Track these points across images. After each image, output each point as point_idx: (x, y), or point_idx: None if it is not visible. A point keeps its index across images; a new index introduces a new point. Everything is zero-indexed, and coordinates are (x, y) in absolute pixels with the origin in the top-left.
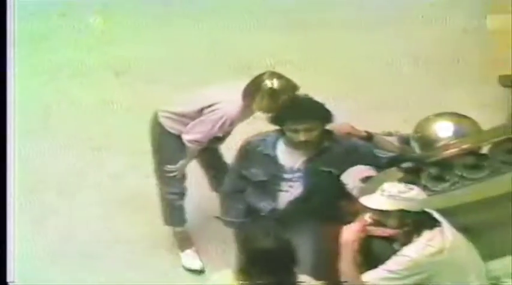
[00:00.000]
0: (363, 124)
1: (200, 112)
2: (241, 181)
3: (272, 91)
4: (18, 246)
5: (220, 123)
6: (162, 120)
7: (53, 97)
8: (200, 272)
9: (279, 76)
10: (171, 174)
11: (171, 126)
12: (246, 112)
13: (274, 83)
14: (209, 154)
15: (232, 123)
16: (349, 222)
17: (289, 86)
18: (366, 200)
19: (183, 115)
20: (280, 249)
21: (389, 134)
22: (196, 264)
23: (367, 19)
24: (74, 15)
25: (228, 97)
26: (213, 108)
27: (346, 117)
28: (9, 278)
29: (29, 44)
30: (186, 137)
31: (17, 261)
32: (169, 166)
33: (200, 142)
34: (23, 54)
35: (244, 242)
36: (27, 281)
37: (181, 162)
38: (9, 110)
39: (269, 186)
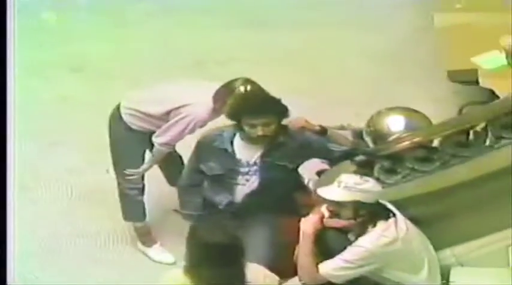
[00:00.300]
0: (318, 119)
1: (168, 113)
2: (199, 175)
3: (239, 95)
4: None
5: (191, 126)
6: (125, 117)
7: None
8: (173, 263)
9: (252, 83)
10: (132, 177)
11: (135, 123)
12: (214, 114)
13: (245, 87)
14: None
15: (201, 126)
16: (305, 214)
17: (255, 88)
18: (323, 192)
19: (149, 115)
20: (228, 243)
21: (343, 128)
22: (168, 258)
23: (322, 19)
24: (28, 12)
25: (196, 100)
26: (182, 110)
27: (302, 112)
28: (9, 279)
29: None
30: (158, 140)
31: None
32: (130, 170)
33: (171, 144)
34: None
35: (191, 237)
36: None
37: (144, 166)
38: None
39: (226, 180)
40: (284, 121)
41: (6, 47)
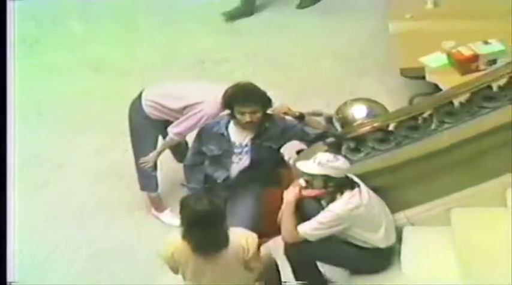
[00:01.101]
0: (296, 108)
1: (185, 108)
2: (200, 156)
3: (232, 87)
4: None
5: (203, 120)
6: (146, 107)
7: (45, 90)
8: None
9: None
10: (147, 166)
11: (154, 113)
12: (222, 111)
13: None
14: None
15: (209, 119)
16: (287, 186)
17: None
18: (301, 165)
19: (169, 109)
20: (212, 210)
21: (318, 113)
22: (177, 221)
23: (293, 23)
24: (57, 21)
25: (208, 98)
26: (196, 106)
27: (282, 103)
28: (9, 278)
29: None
30: (173, 130)
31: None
32: (143, 159)
33: (183, 135)
34: (19, 55)
35: (182, 206)
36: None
37: (154, 153)
38: (9, 103)
39: (223, 159)
40: (269, 110)
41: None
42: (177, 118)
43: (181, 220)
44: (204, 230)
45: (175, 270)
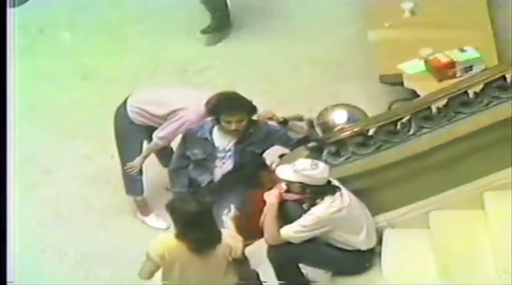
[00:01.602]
0: (279, 113)
1: (168, 114)
2: (185, 160)
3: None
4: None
5: (184, 126)
6: (131, 113)
7: (35, 97)
8: (167, 229)
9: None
10: (133, 171)
11: (138, 119)
12: (203, 117)
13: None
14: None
15: (192, 125)
16: (269, 189)
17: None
18: (279, 171)
19: (153, 115)
20: (201, 210)
21: (301, 119)
22: (162, 224)
23: (280, 34)
24: (48, 32)
25: (190, 105)
26: (178, 112)
27: (266, 108)
28: (9, 278)
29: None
30: (158, 134)
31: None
32: (129, 164)
33: (167, 139)
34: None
35: (171, 210)
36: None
37: (139, 158)
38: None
39: (206, 163)
40: (254, 116)
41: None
42: (161, 124)
43: (174, 222)
44: (199, 229)
45: (165, 269)
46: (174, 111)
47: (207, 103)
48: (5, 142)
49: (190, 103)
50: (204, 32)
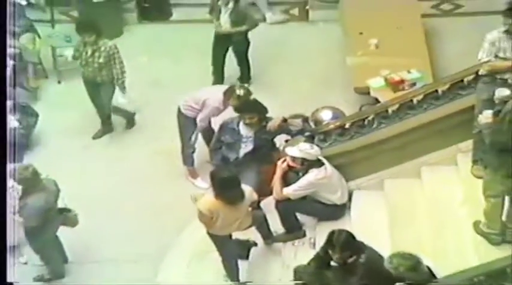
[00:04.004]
0: (286, 114)
1: (202, 106)
2: (220, 143)
3: (239, 96)
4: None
5: (209, 109)
6: (183, 110)
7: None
8: (208, 188)
9: (244, 87)
10: (191, 150)
11: (187, 112)
12: (223, 103)
13: (241, 91)
14: (206, 129)
15: (217, 111)
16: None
17: (248, 93)
18: (288, 150)
19: (193, 108)
20: (231, 176)
21: (300, 116)
22: (205, 185)
23: (279, 57)
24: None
25: (211, 96)
26: (206, 102)
27: (276, 110)
28: (9, 277)
29: None
30: (198, 118)
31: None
32: (189, 144)
33: (205, 121)
34: None
35: (211, 176)
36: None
37: (193, 137)
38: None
39: (234, 145)
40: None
41: None
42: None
43: (213, 186)
44: (230, 190)
45: (209, 219)
46: (203, 102)
47: (225, 92)
48: (5, 142)
49: (212, 94)
50: None
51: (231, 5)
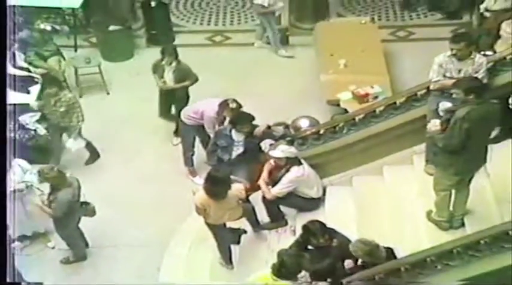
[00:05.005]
0: (270, 122)
1: (200, 116)
2: (215, 146)
3: (232, 108)
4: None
5: (207, 119)
6: (184, 119)
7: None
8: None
9: (235, 101)
10: (191, 152)
11: (188, 121)
12: (218, 114)
13: (233, 104)
14: (204, 134)
15: (213, 121)
16: (264, 163)
17: (239, 106)
18: (271, 152)
19: (193, 117)
20: (225, 175)
21: (283, 124)
22: (202, 182)
23: (270, 72)
24: None
25: (207, 108)
26: (203, 113)
27: (262, 119)
28: (9, 277)
29: None
30: (206, 128)
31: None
32: (189, 148)
33: (210, 128)
34: None
35: (208, 174)
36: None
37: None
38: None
39: (228, 148)
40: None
41: None
42: (200, 121)
43: (205, 183)
44: (217, 187)
45: (202, 211)
46: (201, 112)
47: (219, 104)
48: (5, 142)
49: (208, 106)
50: None
51: (174, 64)
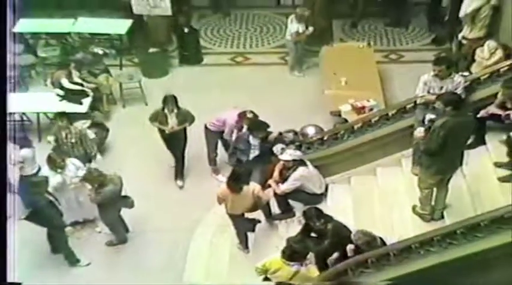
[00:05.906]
0: (281, 129)
1: (223, 123)
2: (235, 149)
3: (249, 118)
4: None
5: (228, 127)
6: (209, 126)
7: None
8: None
9: (252, 112)
10: (214, 154)
11: (212, 128)
12: (237, 123)
13: (251, 115)
14: (224, 140)
15: (233, 127)
16: (275, 165)
17: (255, 116)
18: (281, 156)
19: (216, 125)
20: (245, 171)
21: (292, 131)
22: (224, 179)
23: (272, 94)
24: None
25: (228, 116)
26: (225, 121)
27: (274, 127)
28: (9, 277)
29: None
30: (224, 134)
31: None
32: (213, 150)
33: (228, 134)
34: None
35: (233, 171)
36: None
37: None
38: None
39: (246, 151)
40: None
41: None
42: (221, 128)
43: (228, 177)
44: (237, 182)
45: (222, 201)
46: (224, 120)
47: (239, 114)
48: (5, 141)
49: (229, 115)
50: None
51: (175, 110)
